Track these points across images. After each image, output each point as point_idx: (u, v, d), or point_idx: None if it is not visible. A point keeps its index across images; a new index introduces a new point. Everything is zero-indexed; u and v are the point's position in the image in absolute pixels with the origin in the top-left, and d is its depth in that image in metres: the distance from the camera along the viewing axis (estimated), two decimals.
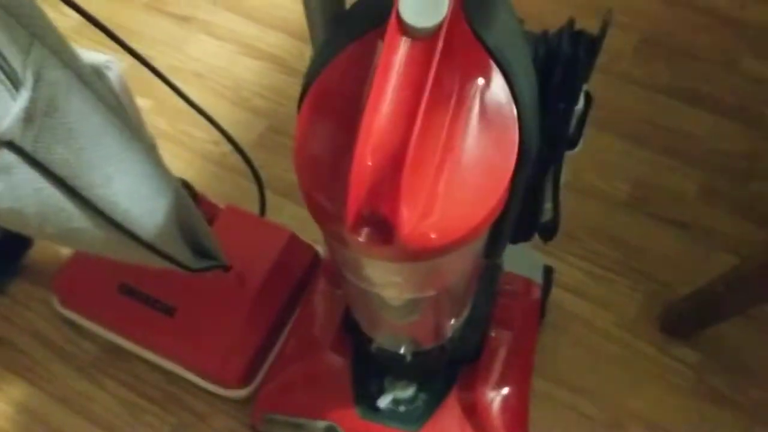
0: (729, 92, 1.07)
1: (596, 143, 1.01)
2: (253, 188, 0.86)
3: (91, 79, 0.48)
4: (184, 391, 0.83)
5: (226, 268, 0.73)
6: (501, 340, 0.75)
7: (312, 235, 0.89)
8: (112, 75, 0.52)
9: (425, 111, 0.37)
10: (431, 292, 0.51)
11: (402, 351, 0.63)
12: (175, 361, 0.81)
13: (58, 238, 0.58)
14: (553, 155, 0.50)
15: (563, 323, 0.85)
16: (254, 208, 0.90)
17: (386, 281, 0.47)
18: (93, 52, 0.50)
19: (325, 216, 0.41)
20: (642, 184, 0.98)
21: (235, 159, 0.94)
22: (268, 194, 0.90)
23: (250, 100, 1.09)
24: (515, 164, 0.40)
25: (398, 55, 0.38)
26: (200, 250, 0.69)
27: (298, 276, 0.85)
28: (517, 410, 0.73)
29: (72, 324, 0.88)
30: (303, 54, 1.13)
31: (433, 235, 0.39)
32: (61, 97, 0.46)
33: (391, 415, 0.72)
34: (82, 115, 0.48)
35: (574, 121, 0.49)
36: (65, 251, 0.92)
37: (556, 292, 0.85)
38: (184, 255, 0.66)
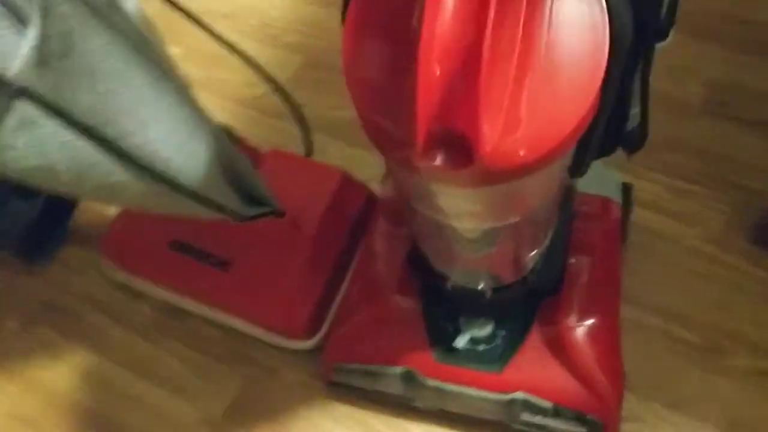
0: None
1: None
2: (295, 130, 0.80)
3: (108, 12, 0.42)
4: (250, 347, 0.79)
5: (281, 214, 0.68)
6: (582, 267, 0.68)
7: (364, 173, 0.83)
8: (131, 6, 0.46)
9: (496, 3, 0.31)
10: (512, 220, 0.45)
11: (480, 287, 0.58)
12: (237, 316, 0.77)
13: (98, 197, 0.53)
14: (642, 47, 0.42)
15: (647, 243, 0.78)
16: (298, 151, 0.85)
17: (463, 210, 0.42)
18: None
19: (389, 141, 0.35)
20: (719, 85, 0.89)
21: (273, 101, 0.89)
22: (312, 134, 0.84)
23: (280, 37, 1.02)
24: (607, 58, 0.34)
25: None
26: (250, 197, 0.64)
27: (355, 217, 0.80)
28: (607, 341, 0.67)
29: (125, 287, 0.85)
30: None
31: (520, 151, 0.33)
32: (77, 33, 0.40)
33: (469, 355, 0.67)
34: (103, 53, 0.42)
35: (664, 6, 0.41)
36: (112, 212, 0.89)
37: (636, 211, 0.77)
38: (234, 203, 0.61)
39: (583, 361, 0.65)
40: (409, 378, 0.68)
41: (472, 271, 0.58)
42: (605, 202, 0.72)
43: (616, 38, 0.34)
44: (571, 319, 0.66)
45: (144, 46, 0.45)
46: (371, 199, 0.82)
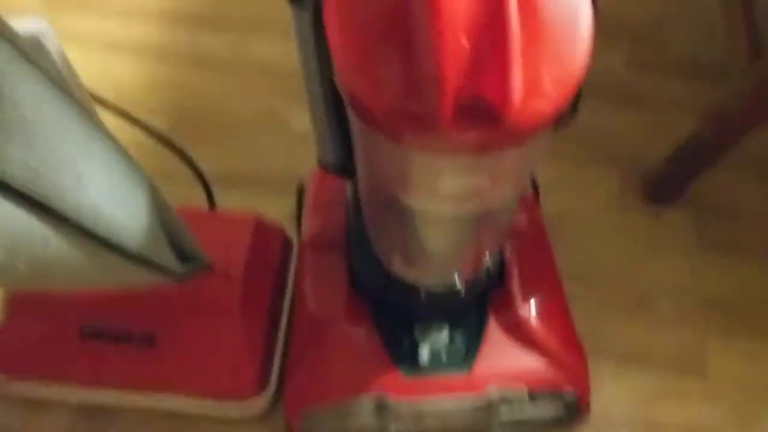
0: None
1: None
2: (180, 188, 0.76)
3: (32, 53, 0.37)
4: (196, 429, 0.71)
5: (210, 269, 0.64)
6: (519, 254, 0.70)
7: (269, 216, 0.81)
8: (51, 45, 0.41)
9: None
10: (508, 194, 0.45)
11: (455, 287, 0.57)
12: (174, 395, 0.69)
13: (29, 278, 0.46)
14: None
15: (556, 223, 0.82)
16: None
17: (466, 187, 0.41)
18: (19, 19, 0.39)
19: (410, 120, 0.34)
20: None
21: (155, 159, 0.84)
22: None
23: (143, 103, 0.97)
24: None
25: None
26: (183, 253, 0.59)
27: (277, 259, 0.76)
28: (560, 314, 0.69)
29: (27, 401, 0.73)
30: (174, 32, 1.02)
31: (541, 105, 0.33)
32: (5, 79, 0.35)
33: (436, 363, 0.66)
34: (33, 99, 0.37)
35: None
36: None
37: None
38: (172, 261, 0.56)
39: (545, 338, 0.66)
40: (381, 404, 0.65)
41: (445, 272, 0.57)
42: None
43: None
44: (524, 302, 0.68)
45: (69, 89, 0.40)
46: (287, 239, 0.79)
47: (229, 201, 0.85)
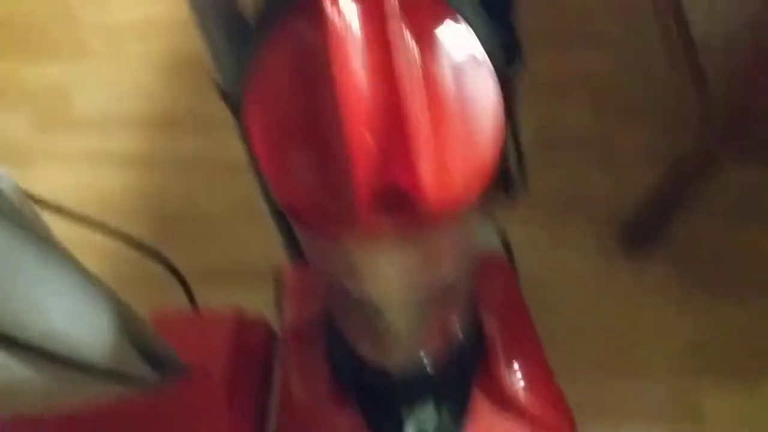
0: None
1: None
2: (166, 286, 0.77)
3: None
4: None
5: (186, 373, 0.64)
6: (497, 322, 0.71)
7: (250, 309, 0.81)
8: (7, 187, 0.43)
9: (399, 65, 0.33)
10: (450, 272, 0.46)
11: (424, 365, 0.58)
12: None
13: None
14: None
15: (535, 288, 0.83)
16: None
17: (407, 271, 0.42)
18: None
19: (327, 216, 0.36)
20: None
21: (132, 264, 0.86)
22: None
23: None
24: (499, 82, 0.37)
25: (347, 16, 0.33)
26: (156, 360, 0.59)
27: (261, 354, 0.76)
28: (546, 379, 0.69)
29: None
30: (152, 138, 1.05)
31: (456, 185, 0.35)
32: None
33: None
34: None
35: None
36: None
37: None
38: (143, 371, 0.56)
39: (533, 407, 0.66)
40: None
41: (413, 351, 0.57)
42: (491, 257, 0.76)
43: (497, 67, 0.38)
44: (507, 371, 0.67)
45: (30, 227, 0.42)
46: (271, 332, 0.79)
47: (213, 297, 0.86)
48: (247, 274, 0.87)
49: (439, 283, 0.45)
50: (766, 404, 0.73)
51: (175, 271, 0.74)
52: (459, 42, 0.37)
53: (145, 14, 1.16)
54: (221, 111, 1.09)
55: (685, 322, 0.79)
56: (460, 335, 0.62)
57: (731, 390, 0.74)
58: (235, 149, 1.03)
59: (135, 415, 0.66)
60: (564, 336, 0.79)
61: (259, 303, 0.82)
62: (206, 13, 0.41)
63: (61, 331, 0.44)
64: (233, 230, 0.93)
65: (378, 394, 0.67)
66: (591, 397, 0.74)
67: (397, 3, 0.34)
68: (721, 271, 0.83)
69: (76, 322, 0.45)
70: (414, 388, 0.66)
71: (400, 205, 0.34)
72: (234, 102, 0.41)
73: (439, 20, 0.37)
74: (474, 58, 0.36)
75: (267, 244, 0.90)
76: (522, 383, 0.67)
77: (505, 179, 0.52)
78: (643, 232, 0.83)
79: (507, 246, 0.80)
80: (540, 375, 0.69)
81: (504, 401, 0.66)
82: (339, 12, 0.33)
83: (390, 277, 0.42)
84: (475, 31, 0.37)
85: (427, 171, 0.33)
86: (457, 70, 0.36)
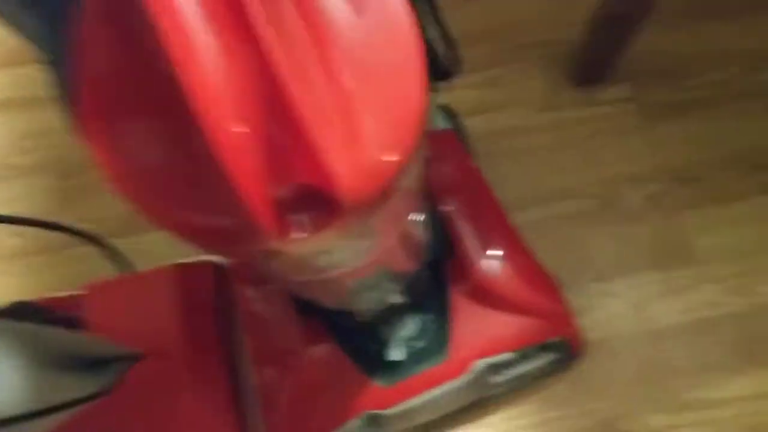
0: None
1: None
2: (89, 256, 0.67)
3: None
4: None
5: (139, 357, 0.57)
6: (459, 209, 0.63)
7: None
8: None
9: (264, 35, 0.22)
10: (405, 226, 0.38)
11: (391, 299, 0.51)
12: None
13: None
14: None
15: (491, 147, 0.74)
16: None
17: (348, 256, 0.34)
18: None
19: (228, 239, 0.27)
20: None
21: (46, 238, 0.75)
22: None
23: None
24: None
25: None
26: (98, 366, 0.53)
27: (214, 300, 0.69)
28: (522, 259, 0.63)
29: None
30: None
31: (378, 170, 0.25)
32: None
33: (413, 358, 0.60)
34: None
35: None
36: None
37: (468, 124, 0.73)
38: (85, 385, 0.50)
39: (514, 292, 0.61)
40: (372, 422, 0.60)
41: (375, 293, 0.50)
42: (439, 135, 0.67)
43: None
44: (481, 261, 0.61)
45: None
46: (219, 270, 0.72)
47: (145, 243, 0.77)
48: None
49: (397, 229, 0.37)
50: (749, 226, 0.69)
51: (85, 236, 0.64)
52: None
53: None
54: None
55: (655, 150, 0.72)
56: (425, 244, 0.55)
57: (715, 218, 0.69)
58: None
59: (104, 406, 0.60)
60: (530, 191, 0.73)
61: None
62: None
63: None
64: None
65: (354, 324, 0.61)
66: (573, 257, 0.69)
67: None
68: (682, 84, 0.75)
69: None
70: (390, 311, 0.60)
71: (317, 204, 0.25)
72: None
73: None
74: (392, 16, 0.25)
75: None
76: (498, 273, 0.61)
77: (435, 68, 0.42)
78: (591, 62, 0.74)
79: (450, 113, 0.70)
80: (516, 260, 0.62)
81: (484, 297, 0.61)
82: None
83: (342, 258, 0.34)
84: None
85: (336, 159, 0.24)
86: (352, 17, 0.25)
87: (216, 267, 0.71)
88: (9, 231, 0.77)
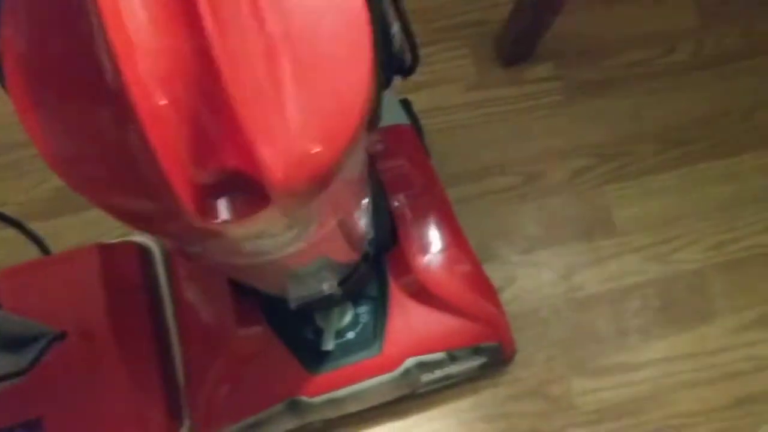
0: None
1: None
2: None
3: None
4: None
5: (62, 336, 0.55)
6: (407, 203, 0.62)
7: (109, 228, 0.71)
8: None
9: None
10: (341, 215, 0.37)
11: (326, 288, 0.50)
12: None
13: None
14: None
15: (422, 124, 0.75)
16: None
17: (281, 242, 0.33)
18: None
19: (152, 219, 0.26)
20: None
21: None
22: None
23: None
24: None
25: None
26: (18, 344, 0.51)
27: (139, 279, 0.67)
28: (463, 258, 0.62)
29: None
30: None
31: (315, 158, 0.25)
32: None
33: (345, 349, 0.60)
34: None
35: None
36: None
37: None
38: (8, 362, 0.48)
39: (452, 293, 0.60)
40: (295, 407, 0.60)
41: (310, 281, 0.50)
42: (395, 129, 0.67)
43: None
44: (423, 259, 0.60)
45: None
46: (143, 250, 0.70)
47: (66, 227, 0.74)
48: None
49: (334, 219, 0.37)
50: (665, 197, 0.72)
51: (6, 219, 0.62)
52: None
53: None
54: None
55: (578, 124, 0.75)
56: (367, 236, 0.55)
57: (634, 191, 0.72)
58: None
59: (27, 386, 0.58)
60: (461, 171, 0.74)
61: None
62: None
63: None
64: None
65: (288, 311, 0.60)
66: (502, 233, 0.71)
67: None
68: (602, 62, 0.77)
69: None
70: (325, 301, 0.60)
71: (244, 190, 0.24)
72: None
73: None
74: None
75: None
76: (439, 272, 0.60)
77: (394, 63, 0.42)
78: (515, 43, 0.75)
79: (409, 108, 0.70)
80: (457, 259, 0.62)
81: (423, 294, 0.60)
82: None
83: (278, 243, 0.33)
84: None
85: (266, 145, 0.23)
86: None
87: (140, 247, 0.70)
88: None
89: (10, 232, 0.74)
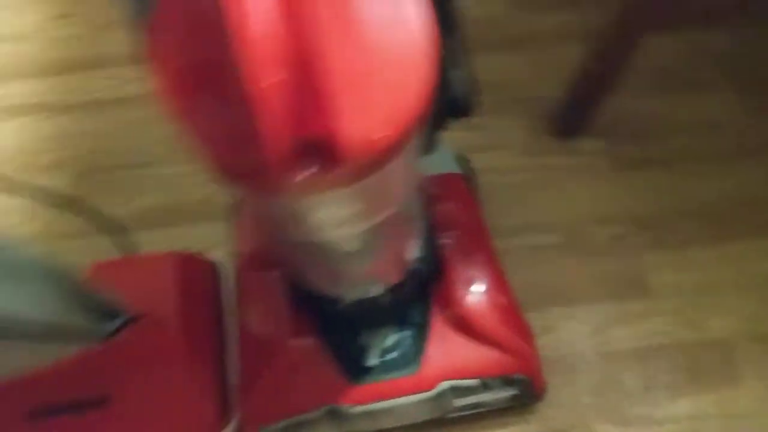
0: None
1: None
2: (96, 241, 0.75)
3: None
4: None
5: (138, 318, 0.63)
6: (455, 243, 0.69)
7: (193, 246, 0.79)
8: None
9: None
10: (388, 213, 0.44)
11: (375, 293, 0.57)
12: None
13: None
14: None
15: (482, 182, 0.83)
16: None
17: (340, 217, 0.40)
18: None
19: (249, 171, 0.33)
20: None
21: (63, 221, 0.82)
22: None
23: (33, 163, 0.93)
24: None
25: None
26: (102, 313, 0.59)
27: (210, 289, 0.76)
28: (502, 298, 0.69)
29: None
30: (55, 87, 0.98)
31: (382, 136, 0.32)
32: None
33: (385, 366, 0.66)
34: None
35: None
36: None
37: None
38: (90, 324, 0.56)
39: (490, 326, 0.66)
40: (335, 414, 0.65)
41: (362, 283, 0.56)
42: (449, 177, 0.75)
43: None
44: (465, 293, 0.67)
45: None
46: (214, 268, 0.78)
47: (154, 240, 0.84)
48: (183, 213, 0.84)
49: (387, 214, 0.44)
50: (702, 270, 0.76)
51: (105, 220, 0.72)
52: None
53: None
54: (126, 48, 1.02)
55: (622, 196, 0.81)
56: (417, 259, 0.62)
57: (671, 260, 0.77)
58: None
59: (95, 365, 0.65)
60: (508, 221, 0.80)
61: (199, 239, 0.80)
62: None
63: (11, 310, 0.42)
64: (158, 171, 0.89)
65: (340, 322, 0.67)
66: (538, 282, 0.76)
67: None
68: (652, 143, 0.84)
69: (22, 298, 0.44)
70: (373, 315, 0.66)
71: (322, 155, 0.31)
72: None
73: None
74: None
75: (196, 182, 0.87)
76: (480, 305, 0.67)
77: (454, 105, 0.49)
78: (570, 117, 0.83)
79: (465, 164, 0.78)
80: (498, 295, 0.68)
81: (463, 324, 0.66)
82: None
83: (334, 221, 0.40)
84: None
85: (348, 119, 0.30)
86: (378, 9, 0.31)
87: (213, 263, 0.78)
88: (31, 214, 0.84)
89: (102, 242, 0.84)
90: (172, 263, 0.73)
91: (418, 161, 0.46)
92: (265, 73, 0.29)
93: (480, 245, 0.71)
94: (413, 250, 0.59)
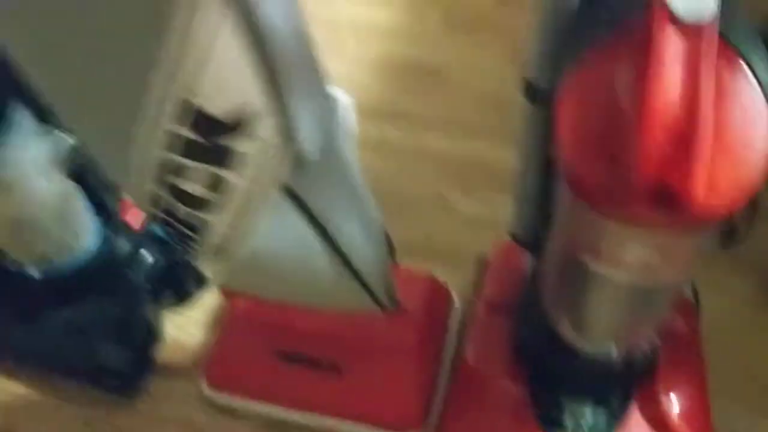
0: None
1: None
2: None
3: (341, 120, 0.51)
4: None
5: (399, 309, 0.76)
6: (673, 351, 0.76)
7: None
8: (347, 111, 0.52)
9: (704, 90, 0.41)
10: (677, 275, 0.55)
11: (611, 352, 0.66)
12: (349, 420, 0.81)
13: (279, 285, 0.60)
14: None
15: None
16: None
17: (646, 261, 0.51)
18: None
19: (612, 198, 0.45)
20: None
21: None
22: None
23: None
24: None
25: (672, 43, 0.43)
26: (389, 289, 0.72)
27: (443, 313, 0.88)
28: (702, 414, 0.75)
29: (223, 409, 0.87)
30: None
31: (716, 201, 0.42)
32: (332, 142, 0.49)
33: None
34: (345, 160, 0.51)
35: None
36: (194, 340, 0.93)
37: None
38: (384, 293, 0.70)
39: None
40: None
41: (607, 336, 0.66)
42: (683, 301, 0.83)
43: None
44: (668, 396, 0.74)
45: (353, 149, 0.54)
46: (451, 298, 0.91)
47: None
48: (434, 254, 0.97)
49: (658, 280, 0.54)
50: None
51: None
52: (744, 82, 0.44)
53: (367, 17, 1.29)
54: (423, 109, 1.20)
55: None
56: (641, 347, 0.70)
57: None
58: (434, 144, 1.15)
59: (343, 332, 0.80)
60: (718, 378, 0.84)
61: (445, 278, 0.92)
62: (548, 14, 0.50)
63: (353, 240, 0.57)
64: (423, 215, 1.04)
65: (550, 379, 0.76)
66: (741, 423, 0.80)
67: (714, 47, 0.42)
68: None
69: (362, 239, 0.58)
70: (580, 384, 0.75)
71: (670, 202, 0.42)
72: (538, 95, 0.52)
73: (730, 63, 0.45)
74: (753, 96, 0.44)
75: (453, 234, 1.01)
76: (679, 412, 0.74)
77: (729, 229, 0.56)
78: None
79: (696, 295, 0.85)
80: (698, 411, 0.75)
81: (657, 423, 0.73)
82: (665, 40, 0.43)
83: (626, 260, 0.51)
84: (758, 77, 0.45)
85: (700, 178, 0.41)
86: (739, 103, 0.43)
87: (451, 294, 0.91)
88: None
89: None
90: (425, 280, 0.87)
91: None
92: (657, 148, 0.42)
93: (694, 364, 0.79)
94: (646, 335, 0.67)
